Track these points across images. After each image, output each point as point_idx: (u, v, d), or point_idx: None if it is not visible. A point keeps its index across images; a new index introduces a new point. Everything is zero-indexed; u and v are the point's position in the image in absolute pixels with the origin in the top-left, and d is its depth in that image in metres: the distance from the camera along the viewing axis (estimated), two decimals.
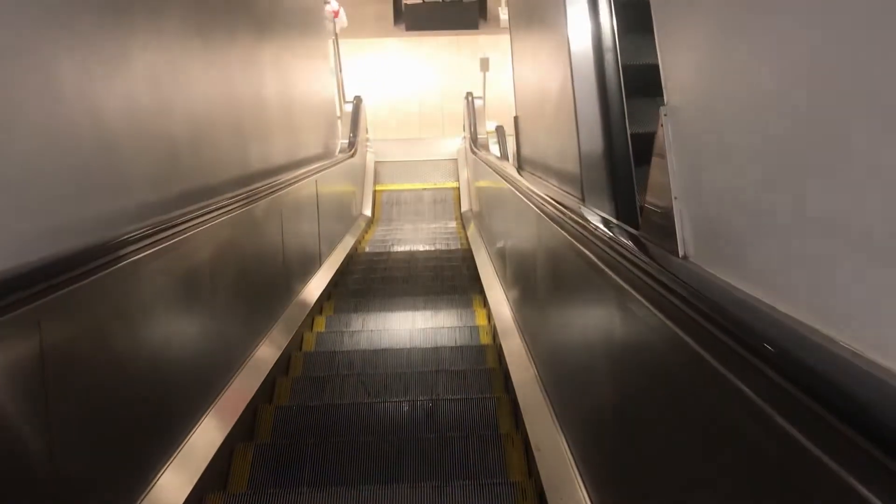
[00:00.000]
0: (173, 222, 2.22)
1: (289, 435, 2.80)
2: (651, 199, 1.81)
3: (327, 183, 5.48)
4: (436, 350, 3.60)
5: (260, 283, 3.44)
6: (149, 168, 2.39)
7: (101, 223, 1.96)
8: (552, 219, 2.70)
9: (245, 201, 2.94)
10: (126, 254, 1.87)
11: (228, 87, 3.33)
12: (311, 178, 4.58)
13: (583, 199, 2.72)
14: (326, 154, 6.35)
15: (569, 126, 2.94)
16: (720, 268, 1.33)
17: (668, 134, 1.69)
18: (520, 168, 4.66)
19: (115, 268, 1.85)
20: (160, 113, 2.52)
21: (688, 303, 1.29)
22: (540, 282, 3.08)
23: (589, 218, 2.18)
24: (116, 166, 2.13)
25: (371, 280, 5.31)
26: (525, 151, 4.54)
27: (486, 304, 4.48)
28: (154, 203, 2.36)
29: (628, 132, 2.78)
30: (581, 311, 2.40)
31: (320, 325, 4.18)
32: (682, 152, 1.64)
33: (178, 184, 2.61)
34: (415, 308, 4.42)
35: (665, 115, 1.71)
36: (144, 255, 1.99)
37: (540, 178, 3.76)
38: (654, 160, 1.79)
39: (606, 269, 1.88)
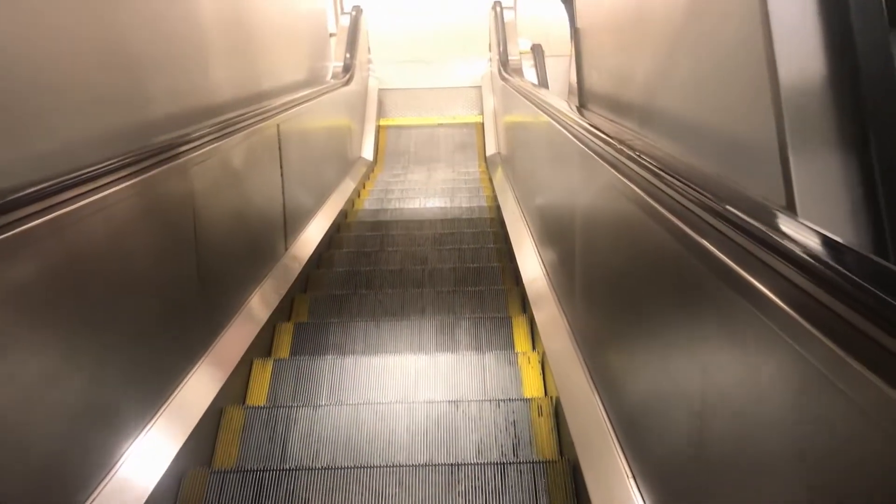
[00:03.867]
0: None
1: None
2: None
3: (304, 123, 3.94)
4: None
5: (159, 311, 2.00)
6: None
7: None
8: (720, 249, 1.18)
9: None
10: None
11: None
12: (269, 121, 3.05)
13: (791, 202, 1.23)
14: (311, 82, 4.79)
15: (736, 36, 1.41)
16: None
17: None
18: (582, 107, 3.12)
19: None
20: None
21: None
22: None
23: None
24: None
25: (359, 280, 3.60)
26: (595, 83, 2.97)
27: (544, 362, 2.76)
28: None
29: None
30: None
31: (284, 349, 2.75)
32: None
33: None
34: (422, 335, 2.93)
35: None
36: None
37: (629, 130, 2.22)
38: None
39: None
